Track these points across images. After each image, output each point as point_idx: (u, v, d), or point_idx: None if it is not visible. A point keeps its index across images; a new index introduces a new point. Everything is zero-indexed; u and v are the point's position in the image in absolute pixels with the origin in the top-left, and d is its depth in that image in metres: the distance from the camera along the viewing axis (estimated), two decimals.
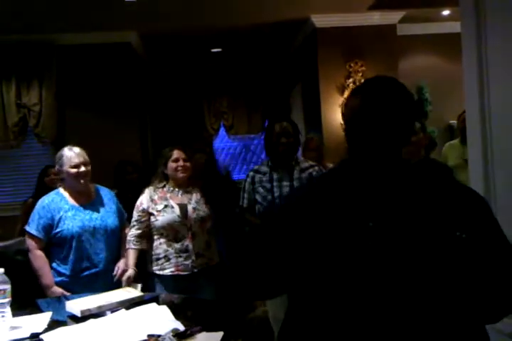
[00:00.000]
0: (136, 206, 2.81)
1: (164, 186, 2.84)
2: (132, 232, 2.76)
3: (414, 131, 1.22)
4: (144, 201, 2.79)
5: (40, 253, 2.59)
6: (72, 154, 2.61)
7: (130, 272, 2.64)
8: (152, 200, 2.78)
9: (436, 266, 1.09)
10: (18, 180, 5.26)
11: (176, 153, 2.82)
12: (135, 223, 2.78)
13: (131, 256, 2.71)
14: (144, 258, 2.80)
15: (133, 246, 2.74)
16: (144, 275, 2.77)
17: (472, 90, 1.83)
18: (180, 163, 2.80)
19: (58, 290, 2.53)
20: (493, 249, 1.13)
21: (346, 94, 5.21)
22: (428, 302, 1.09)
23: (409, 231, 1.10)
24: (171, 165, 2.81)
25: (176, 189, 2.84)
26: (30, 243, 2.60)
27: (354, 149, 1.20)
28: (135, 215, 2.79)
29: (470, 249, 1.10)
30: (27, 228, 2.62)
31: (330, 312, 1.14)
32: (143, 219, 2.77)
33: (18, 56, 5.09)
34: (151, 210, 2.77)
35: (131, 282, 2.59)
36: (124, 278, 2.62)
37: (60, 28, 4.95)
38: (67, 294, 2.51)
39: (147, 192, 2.83)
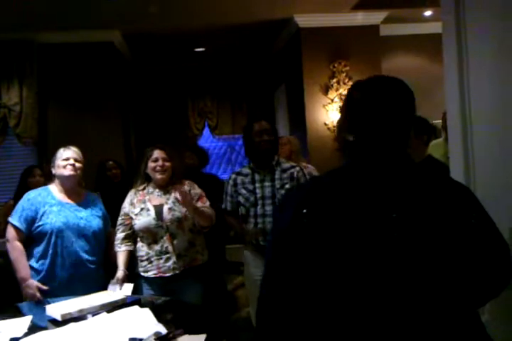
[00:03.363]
0: (121, 208, 2.83)
1: (144, 188, 2.83)
2: (117, 235, 2.77)
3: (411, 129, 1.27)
4: (125, 205, 2.81)
5: (18, 244, 2.58)
6: (66, 150, 2.71)
7: (119, 273, 2.63)
8: (132, 204, 2.79)
9: (456, 251, 1.16)
10: None
11: (156, 153, 2.79)
12: (119, 226, 2.79)
13: (120, 258, 2.71)
14: (132, 259, 2.79)
15: (118, 249, 2.75)
16: (132, 276, 2.75)
17: (453, 90, 1.84)
18: (160, 162, 2.77)
19: (34, 283, 2.51)
20: (490, 232, 1.22)
21: (330, 93, 5.23)
22: (452, 288, 1.14)
23: (430, 220, 1.16)
24: (150, 164, 2.78)
25: (156, 190, 2.81)
26: (11, 233, 2.60)
27: (360, 145, 1.23)
28: (119, 219, 2.80)
29: (478, 233, 1.19)
30: (9, 219, 2.64)
31: (357, 305, 1.14)
32: (126, 223, 2.78)
33: None
34: (130, 214, 2.77)
35: (121, 283, 2.57)
36: (114, 279, 2.59)
37: (41, 27, 4.88)
38: (44, 287, 2.51)
39: (129, 196, 2.84)
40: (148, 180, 2.84)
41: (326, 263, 1.14)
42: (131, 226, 2.76)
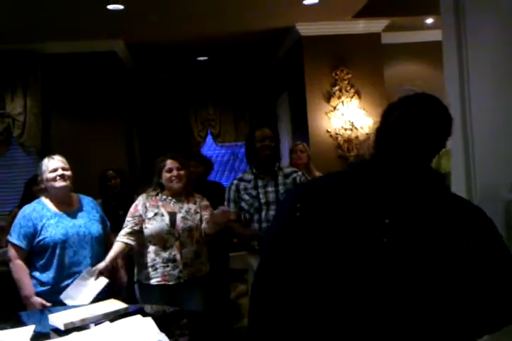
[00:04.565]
0: (130, 212, 2.80)
1: (157, 194, 2.82)
2: (124, 230, 2.74)
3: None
4: (139, 207, 2.79)
5: (20, 263, 2.56)
6: (50, 160, 2.64)
7: (101, 264, 2.54)
8: (145, 207, 2.78)
9: (445, 266, 1.14)
10: (3, 190, 5.20)
11: (169, 163, 2.79)
12: (128, 223, 2.75)
13: (113, 249, 2.66)
14: (132, 266, 2.79)
15: (118, 239, 2.70)
16: (131, 283, 2.75)
17: (454, 97, 1.85)
18: (174, 172, 2.77)
19: (38, 300, 2.49)
20: (496, 254, 1.17)
21: (332, 101, 5.25)
22: (433, 302, 1.12)
23: (424, 231, 1.15)
24: (165, 175, 2.78)
25: (170, 197, 2.81)
26: (12, 253, 2.58)
27: (382, 153, 1.26)
28: (129, 219, 2.77)
29: (477, 254, 1.15)
30: (9, 238, 2.61)
31: (341, 310, 1.15)
32: (137, 222, 2.75)
33: (2, 65, 5.05)
34: (144, 217, 2.76)
35: (97, 274, 2.50)
36: (92, 268, 2.52)
37: (44, 37, 4.92)
38: (48, 304, 2.48)
39: (141, 199, 2.82)
40: (161, 189, 2.83)
41: (315, 258, 1.17)
42: (140, 226, 2.74)
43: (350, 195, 1.19)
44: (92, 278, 2.47)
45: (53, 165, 2.61)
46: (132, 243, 2.72)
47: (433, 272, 1.13)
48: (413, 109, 1.25)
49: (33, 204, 2.67)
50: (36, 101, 5.08)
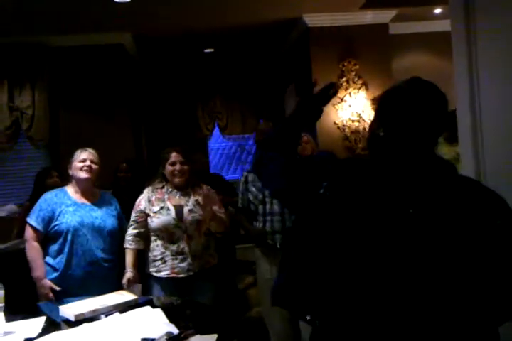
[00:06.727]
0: (134, 206, 2.82)
1: (163, 187, 2.82)
2: (129, 232, 2.77)
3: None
4: (142, 202, 2.80)
5: (35, 244, 2.67)
6: (83, 151, 2.79)
7: (128, 274, 2.65)
8: (149, 201, 2.78)
9: (475, 252, 1.15)
10: (11, 183, 5.23)
11: (173, 156, 2.79)
12: (132, 223, 2.78)
13: (129, 256, 2.73)
14: (143, 259, 2.80)
15: (129, 246, 2.74)
16: (142, 276, 2.78)
17: (463, 87, 1.83)
18: (177, 166, 2.77)
19: (48, 283, 2.60)
20: None
21: (340, 93, 5.21)
22: (466, 286, 1.14)
23: (448, 219, 1.16)
24: (168, 168, 2.79)
25: (175, 190, 2.82)
26: (29, 233, 2.69)
27: (389, 140, 1.26)
28: (133, 216, 2.80)
29: (504, 234, 1.17)
30: (28, 219, 2.72)
31: (366, 302, 1.17)
32: (139, 220, 2.77)
33: (10, 58, 5.05)
34: (148, 211, 2.77)
35: (131, 284, 2.60)
36: (124, 280, 2.63)
37: (52, 30, 4.92)
38: (57, 288, 2.58)
39: (146, 193, 2.83)
40: (166, 180, 2.84)
41: (342, 233, 1.19)
42: (144, 225, 2.76)
43: (373, 182, 1.21)
44: (137, 289, 2.54)
45: (84, 156, 2.75)
46: (142, 247, 2.77)
47: (460, 257, 1.14)
48: (410, 88, 1.26)
49: (56, 190, 2.80)
50: (44, 95, 5.08)
